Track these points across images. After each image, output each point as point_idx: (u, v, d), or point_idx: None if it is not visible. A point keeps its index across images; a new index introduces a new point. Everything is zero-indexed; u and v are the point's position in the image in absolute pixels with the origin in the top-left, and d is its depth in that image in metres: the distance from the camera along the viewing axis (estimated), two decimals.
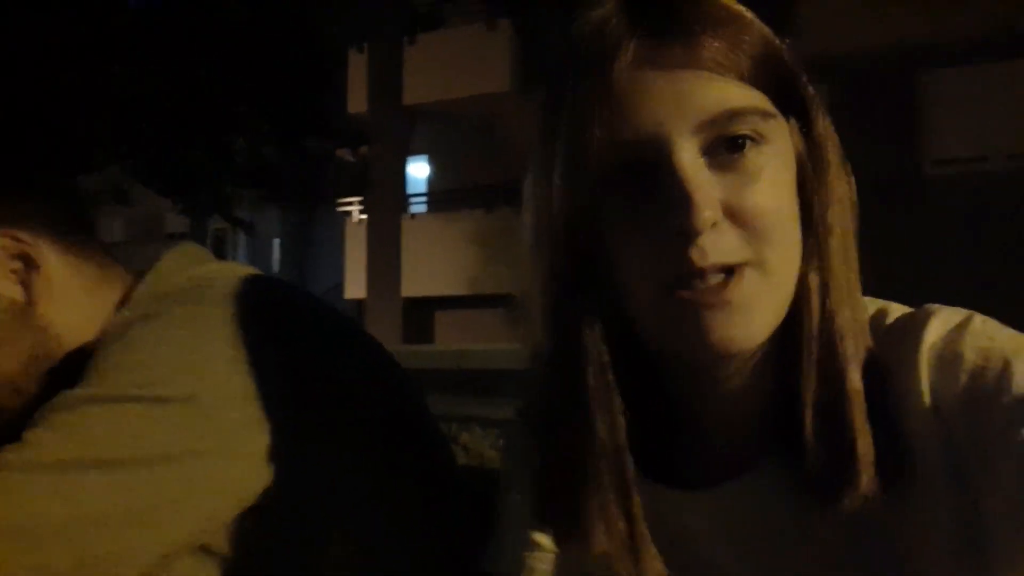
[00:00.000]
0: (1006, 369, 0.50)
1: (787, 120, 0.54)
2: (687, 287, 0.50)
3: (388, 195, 9.57)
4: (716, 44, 0.51)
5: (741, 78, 0.51)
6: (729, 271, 0.50)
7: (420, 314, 12.00)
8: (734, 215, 0.50)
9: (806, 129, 0.55)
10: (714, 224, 0.49)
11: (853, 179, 0.56)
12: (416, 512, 0.77)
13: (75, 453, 0.62)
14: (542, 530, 0.60)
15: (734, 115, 0.50)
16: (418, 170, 13.68)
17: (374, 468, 0.75)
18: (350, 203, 12.99)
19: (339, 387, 0.74)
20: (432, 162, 13.83)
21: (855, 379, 0.52)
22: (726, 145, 0.51)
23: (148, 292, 0.77)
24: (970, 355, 0.51)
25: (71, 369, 0.71)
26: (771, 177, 0.51)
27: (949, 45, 8.99)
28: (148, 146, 7.66)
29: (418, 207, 13.24)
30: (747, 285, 0.50)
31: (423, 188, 13.83)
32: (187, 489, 0.65)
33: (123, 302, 0.77)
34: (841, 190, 0.55)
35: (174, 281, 0.77)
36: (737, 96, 0.51)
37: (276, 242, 16.70)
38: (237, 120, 8.22)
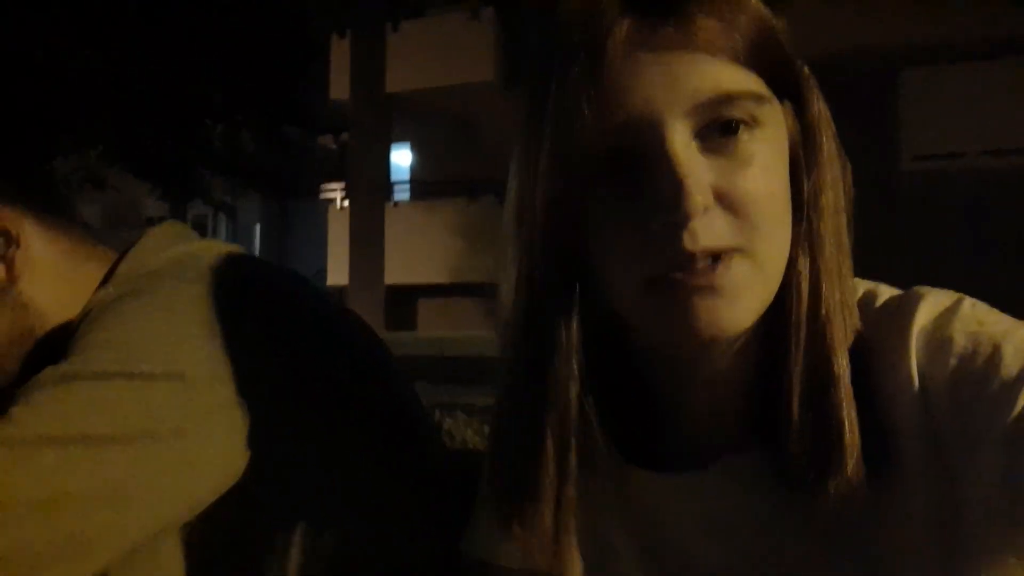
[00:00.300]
0: (995, 353, 0.49)
1: (781, 103, 0.53)
2: (675, 272, 0.49)
3: (371, 183, 9.51)
4: (711, 24, 0.49)
5: (736, 59, 0.50)
6: (717, 257, 0.49)
7: (403, 302, 11.96)
8: (725, 201, 0.49)
9: (800, 112, 0.54)
10: (705, 209, 0.48)
11: (848, 163, 0.56)
12: (400, 495, 0.76)
13: (57, 430, 0.60)
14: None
15: (728, 98, 0.49)
16: (401, 157, 13.59)
17: (358, 451, 0.74)
18: (333, 190, 12.90)
19: (324, 367, 0.74)
20: (415, 150, 13.74)
21: (842, 365, 0.51)
22: (719, 129, 0.50)
23: (131, 269, 0.76)
24: (960, 339, 0.51)
25: (54, 347, 0.69)
26: (764, 162, 0.50)
27: (928, 47, 9.11)
28: (121, 130, 7.53)
29: (401, 195, 13.17)
30: (735, 271, 0.49)
31: (406, 176, 13.75)
32: (170, 467, 0.63)
33: (106, 280, 0.76)
34: (834, 174, 0.54)
35: (158, 258, 0.76)
36: (732, 79, 0.49)
37: (257, 228, 16.57)
38: (213, 106, 8.10)
